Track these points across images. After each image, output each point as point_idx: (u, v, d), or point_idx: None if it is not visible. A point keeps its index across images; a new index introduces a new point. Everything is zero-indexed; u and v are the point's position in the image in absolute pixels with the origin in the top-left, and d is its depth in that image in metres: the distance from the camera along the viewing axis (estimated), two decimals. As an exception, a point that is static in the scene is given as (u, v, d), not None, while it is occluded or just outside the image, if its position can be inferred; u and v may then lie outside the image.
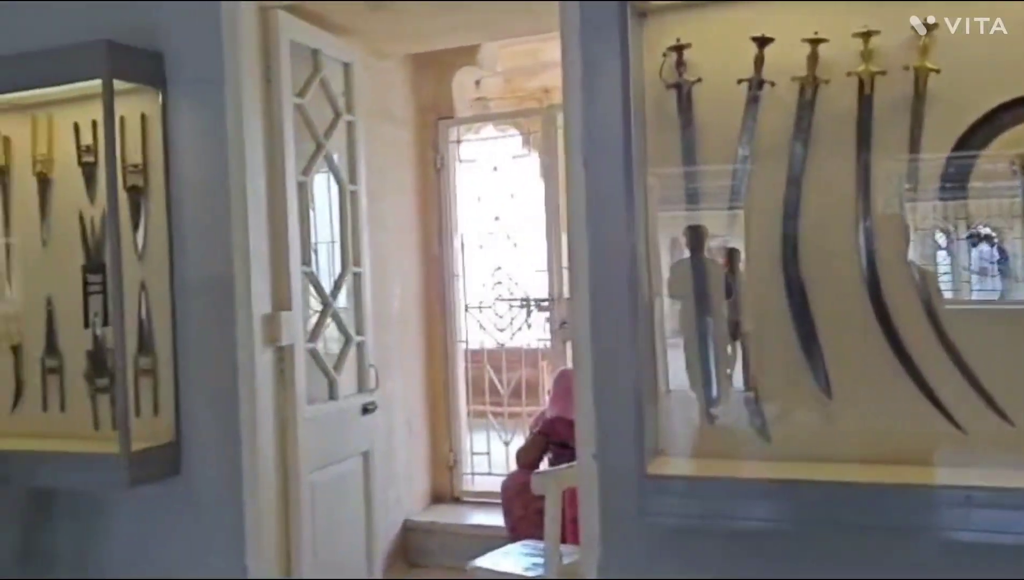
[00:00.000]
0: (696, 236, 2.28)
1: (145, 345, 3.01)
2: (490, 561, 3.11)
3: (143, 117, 2.97)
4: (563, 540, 3.13)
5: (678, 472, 2.23)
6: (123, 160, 2.93)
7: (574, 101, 2.43)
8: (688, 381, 2.29)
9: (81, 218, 3.08)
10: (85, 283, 3.06)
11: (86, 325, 3.06)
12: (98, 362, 3.06)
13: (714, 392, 2.27)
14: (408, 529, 4.24)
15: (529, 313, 4.47)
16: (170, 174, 2.96)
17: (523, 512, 3.55)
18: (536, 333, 4.61)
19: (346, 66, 3.46)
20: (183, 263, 2.96)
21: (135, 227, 3.00)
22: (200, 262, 2.95)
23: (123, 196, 2.92)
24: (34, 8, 3.11)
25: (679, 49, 2.23)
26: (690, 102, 2.25)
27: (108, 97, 2.78)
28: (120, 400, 2.82)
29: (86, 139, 3.05)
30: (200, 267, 2.95)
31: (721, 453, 2.28)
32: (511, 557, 3.16)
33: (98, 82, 2.82)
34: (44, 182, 3.14)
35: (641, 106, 2.25)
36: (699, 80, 2.24)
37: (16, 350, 3.21)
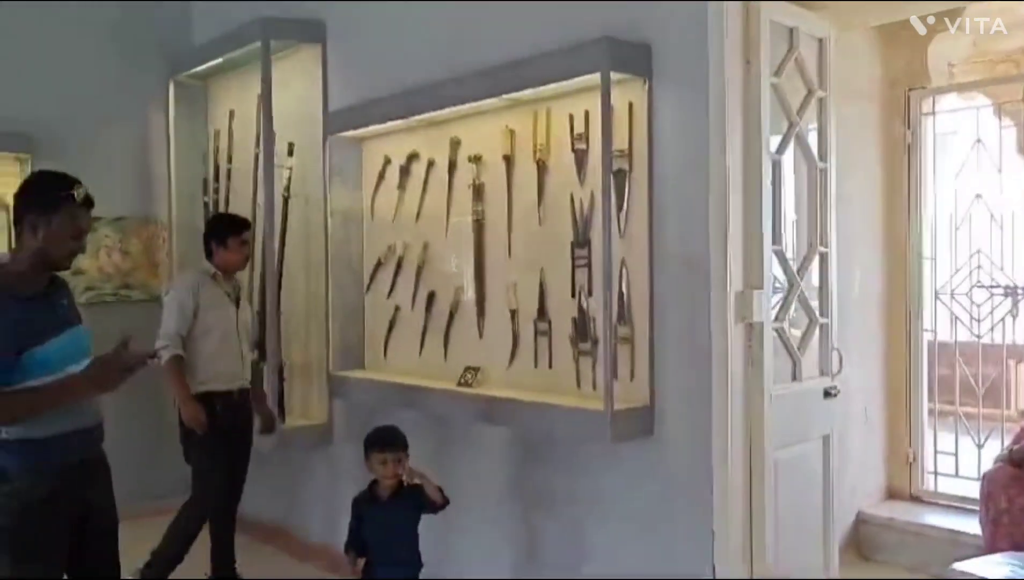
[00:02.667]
0: None
1: (624, 315, 3.27)
2: (974, 567, 2.85)
3: (630, 105, 3.22)
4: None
5: None
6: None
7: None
8: None
9: (572, 199, 3.44)
10: (573, 257, 3.43)
11: (572, 294, 3.43)
12: (582, 328, 3.41)
13: None
14: (862, 521, 4.07)
15: (1015, 303, 3.96)
16: (653, 157, 3.16)
17: (1007, 505, 3.24)
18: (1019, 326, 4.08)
19: (820, 42, 3.40)
20: (661, 241, 3.15)
21: (619, 208, 3.27)
22: (678, 240, 3.11)
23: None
24: (537, 11, 3.53)
25: None
26: None
27: (606, 89, 3.05)
28: (605, 364, 3.12)
29: (578, 128, 3.40)
30: (677, 244, 3.11)
31: None
32: (998, 566, 2.87)
33: (590, 76, 3.12)
34: (541, 168, 3.56)
35: None
36: None
37: (513, 314, 3.71)
